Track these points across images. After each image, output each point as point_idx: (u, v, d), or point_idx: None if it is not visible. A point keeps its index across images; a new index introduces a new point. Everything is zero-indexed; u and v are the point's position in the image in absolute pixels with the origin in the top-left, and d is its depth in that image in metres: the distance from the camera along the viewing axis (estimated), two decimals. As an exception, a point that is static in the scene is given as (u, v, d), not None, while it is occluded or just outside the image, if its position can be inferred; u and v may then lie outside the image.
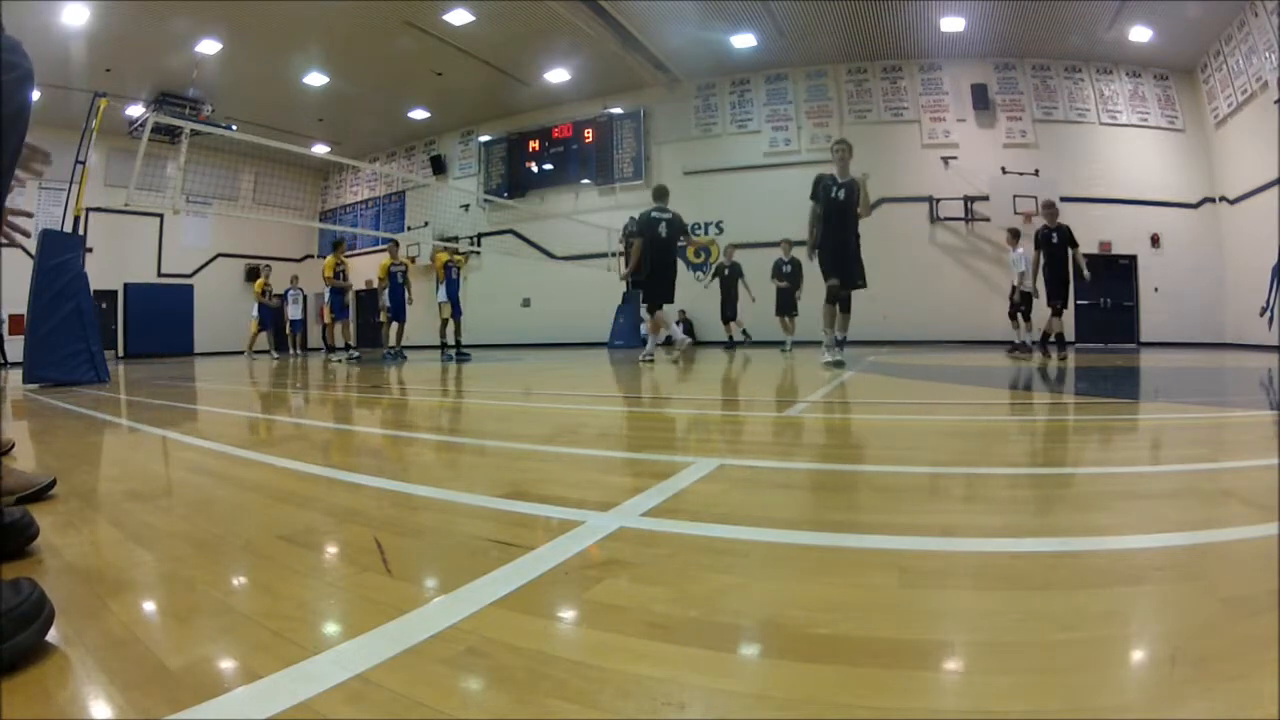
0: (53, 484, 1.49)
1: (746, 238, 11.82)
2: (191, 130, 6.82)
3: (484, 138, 16.21)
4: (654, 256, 6.92)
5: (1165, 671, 0.66)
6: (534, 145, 15.55)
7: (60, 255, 5.58)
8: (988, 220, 11.82)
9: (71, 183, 6.06)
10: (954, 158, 12.17)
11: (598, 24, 11.25)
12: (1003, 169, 11.82)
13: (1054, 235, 7.28)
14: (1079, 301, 11.55)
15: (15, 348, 9.86)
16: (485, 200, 15.55)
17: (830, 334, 5.72)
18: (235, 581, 0.99)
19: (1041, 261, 7.38)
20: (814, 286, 9.51)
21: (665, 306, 6.98)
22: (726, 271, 10.39)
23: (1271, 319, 9.09)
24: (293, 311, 13.01)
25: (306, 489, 1.64)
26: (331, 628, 0.82)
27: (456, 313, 9.71)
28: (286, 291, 12.93)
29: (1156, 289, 11.48)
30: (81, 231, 6.05)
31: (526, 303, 15.49)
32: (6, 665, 0.68)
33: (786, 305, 9.63)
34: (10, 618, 0.70)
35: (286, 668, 0.68)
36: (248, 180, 16.85)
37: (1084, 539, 1.10)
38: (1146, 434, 2.44)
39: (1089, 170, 11.49)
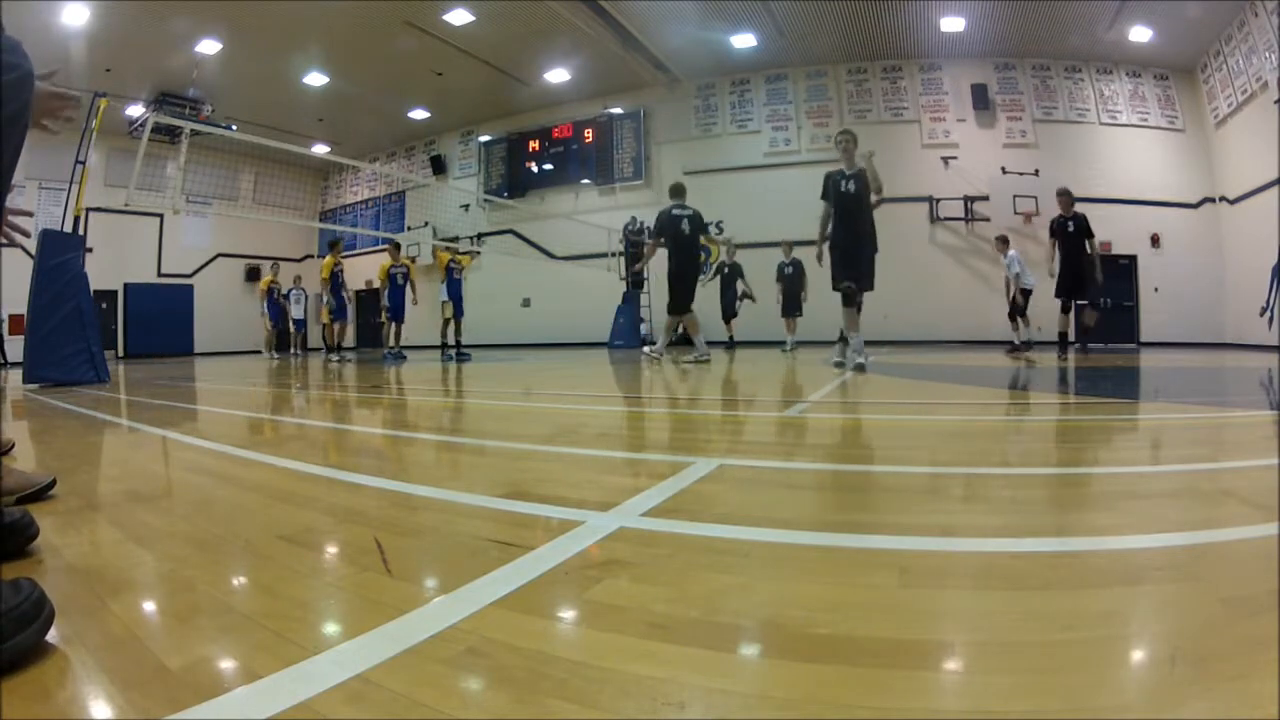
0: (53, 484, 1.48)
1: (747, 238, 11.81)
2: (191, 130, 6.82)
3: (484, 138, 16.21)
4: (677, 256, 6.68)
5: (1165, 671, 0.66)
6: (534, 145, 15.56)
7: (60, 255, 5.58)
8: (988, 220, 11.83)
9: (71, 183, 6.06)
10: (954, 158, 12.17)
11: (598, 24, 11.25)
12: (1003, 169, 11.82)
13: (1069, 224, 6.73)
14: (1077, 301, 11.55)
15: (15, 348, 9.86)
16: (485, 200, 15.56)
17: (857, 337, 5.35)
18: (235, 581, 0.99)
19: (1057, 254, 6.81)
20: (818, 287, 9.59)
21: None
22: (726, 270, 10.40)
23: (1271, 319, 9.09)
24: (295, 311, 13.04)
25: (306, 489, 1.64)
26: (331, 628, 0.82)
27: (458, 312, 9.70)
28: (289, 291, 12.95)
29: (1156, 289, 11.48)
30: (81, 231, 6.05)
31: (526, 303, 15.50)
32: (6, 665, 0.68)
33: (790, 306, 9.66)
34: (10, 618, 0.70)
35: (286, 668, 0.68)
36: (248, 180, 16.86)
37: (1084, 539, 1.10)
38: (1146, 434, 2.43)
39: (1089, 170, 11.49)
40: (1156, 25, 10.30)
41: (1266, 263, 9.09)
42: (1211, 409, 3.13)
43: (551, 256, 14.95)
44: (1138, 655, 0.71)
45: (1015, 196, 11.57)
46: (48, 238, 5.64)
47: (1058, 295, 6.92)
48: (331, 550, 1.14)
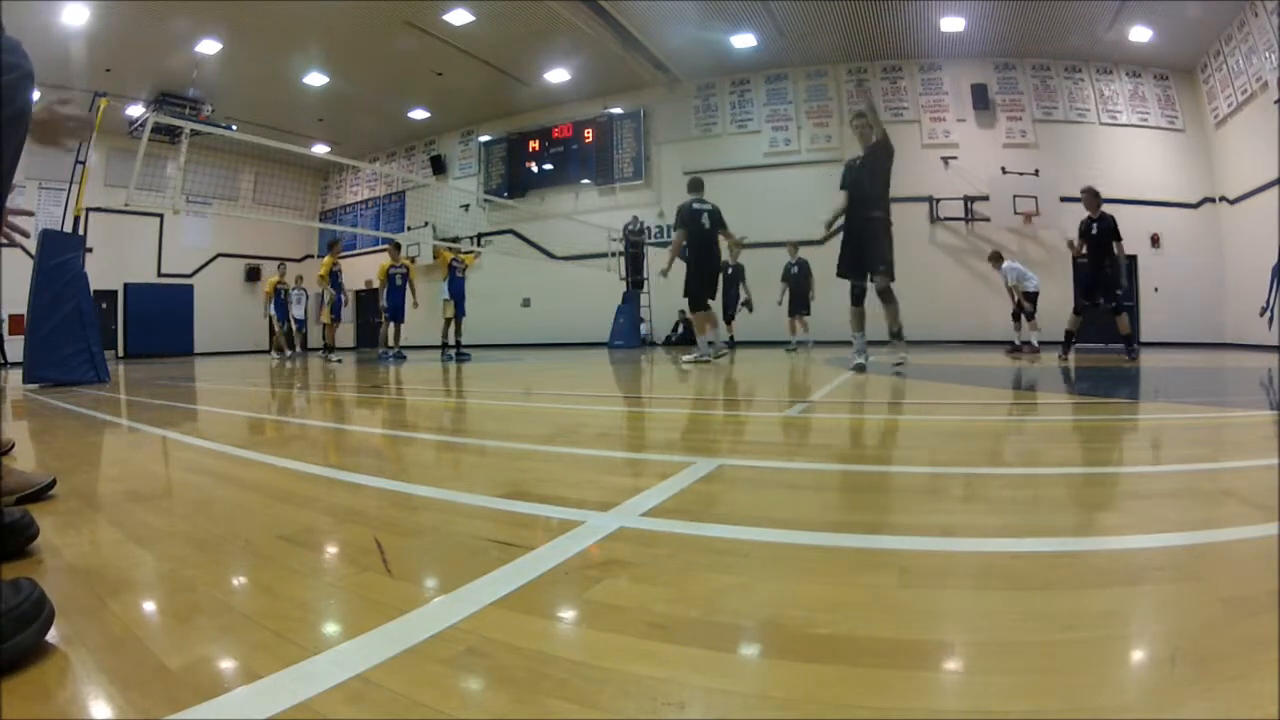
0: (53, 484, 1.48)
1: (747, 238, 11.81)
2: (191, 130, 6.82)
3: (484, 138, 16.21)
4: (697, 250, 6.60)
5: (1165, 671, 0.66)
6: (534, 145, 15.56)
7: (60, 255, 5.58)
8: (988, 220, 11.82)
9: (71, 183, 6.07)
10: (954, 158, 12.17)
11: (598, 24, 11.25)
12: (1003, 169, 11.82)
13: (1093, 226, 6.49)
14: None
15: (15, 348, 9.87)
16: (485, 200, 15.55)
17: (859, 337, 5.23)
18: (235, 581, 0.99)
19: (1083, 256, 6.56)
20: (822, 288, 9.60)
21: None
22: (730, 270, 10.40)
23: (1271, 319, 9.08)
24: (296, 311, 13.03)
25: (306, 489, 1.64)
26: (331, 628, 0.82)
27: (460, 312, 9.69)
28: (290, 291, 12.94)
29: (1156, 289, 11.47)
30: (81, 231, 6.05)
31: (526, 303, 15.50)
32: (6, 665, 0.68)
33: (796, 306, 9.67)
34: (10, 618, 0.70)
35: (286, 668, 0.68)
36: (248, 180, 16.86)
37: (1084, 539, 1.10)
38: (1146, 434, 2.43)
39: (1089, 170, 11.48)
40: (1156, 25, 10.30)
41: (1266, 263, 9.08)
42: (1211, 409, 3.13)
43: (551, 256, 14.95)
44: (1138, 655, 0.71)
45: (1015, 196, 11.56)
46: (48, 238, 5.64)
47: (1077, 299, 6.67)
48: (331, 550, 1.14)
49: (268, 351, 12.75)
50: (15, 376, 7.03)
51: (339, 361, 9.19)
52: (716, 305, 10.51)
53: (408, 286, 9.67)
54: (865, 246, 5.09)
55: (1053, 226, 11.40)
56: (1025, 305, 8.55)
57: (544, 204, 15.35)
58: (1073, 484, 1.58)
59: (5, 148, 0.84)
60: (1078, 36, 10.94)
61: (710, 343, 6.67)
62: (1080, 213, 6.85)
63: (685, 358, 6.95)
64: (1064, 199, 11.34)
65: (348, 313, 12.29)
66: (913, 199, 12.16)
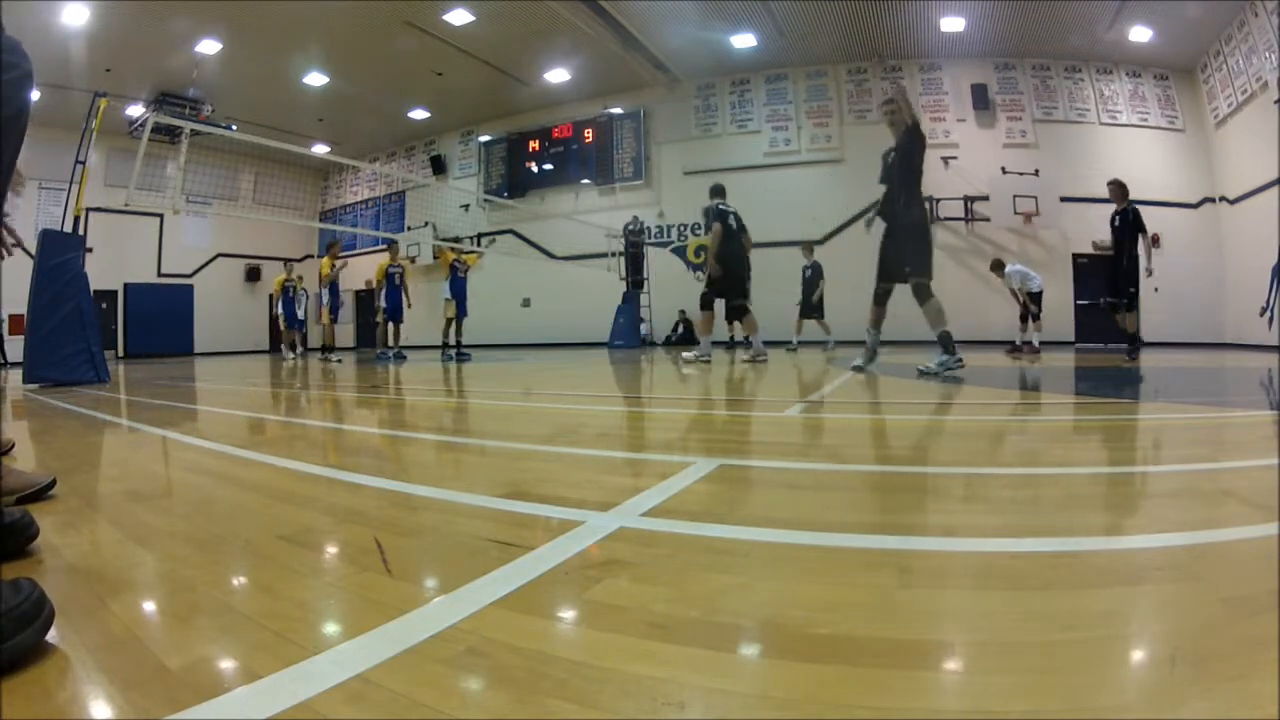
0: (53, 484, 1.48)
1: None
2: (191, 130, 6.82)
3: (484, 138, 16.22)
4: (728, 250, 6.75)
5: (1165, 671, 0.66)
6: (534, 145, 15.57)
7: (60, 255, 5.58)
8: (988, 220, 11.82)
9: (71, 183, 6.06)
10: (954, 158, 12.17)
11: (598, 24, 11.25)
12: (1003, 169, 11.81)
13: (1116, 219, 6.44)
14: (1078, 301, 11.55)
15: (15, 348, 9.86)
16: (485, 200, 15.56)
17: (873, 334, 5.14)
18: (235, 581, 0.99)
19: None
20: (828, 289, 9.59)
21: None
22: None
23: (1271, 319, 9.08)
24: (298, 311, 13.02)
25: (306, 489, 1.64)
26: (331, 628, 0.82)
27: (462, 312, 9.70)
28: (297, 290, 12.94)
29: (1156, 289, 11.46)
30: (81, 231, 6.05)
31: (526, 303, 15.50)
32: (6, 665, 0.68)
33: (807, 308, 9.68)
34: (10, 618, 0.70)
35: (286, 668, 0.68)
36: (248, 180, 16.86)
37: (1084, 539, 1.10)
38: (1146, 434, 2.43)
39: (1089, 170, 11.48)
40: (1156, 25, 10.30)
41: (1266, 263, 9.08)
42: (1211, 409, 3.13)
43: (551, 256, 14.95)
44: (1138, 655, 0.71)
45: (1015, 196, 11.56)
46: (48, 238, 5.64)
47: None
48: (331, 550, 1.14)
49: (269, 351, 12.75)
50: (15, 376, 7.03)
51: (339, 361, 9.20)
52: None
53: (403, 286, 9.71)
54: (895, 250, 4.98)
55: (1053, 226, 11.41)
56: (1031, 307, 8.57)
57: (544, 204, 15.36)
58: (1073, 484, 1.57)
59: (5, 147, 0.84)
60: (1078, 36, 10.94)
61: (760, 341, 6.72)
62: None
63: (686, 355, 7.02)
64: (1064, 199, 11.36)
65: (347, 313, 12.29)
66: (912, 199, 12.16)
